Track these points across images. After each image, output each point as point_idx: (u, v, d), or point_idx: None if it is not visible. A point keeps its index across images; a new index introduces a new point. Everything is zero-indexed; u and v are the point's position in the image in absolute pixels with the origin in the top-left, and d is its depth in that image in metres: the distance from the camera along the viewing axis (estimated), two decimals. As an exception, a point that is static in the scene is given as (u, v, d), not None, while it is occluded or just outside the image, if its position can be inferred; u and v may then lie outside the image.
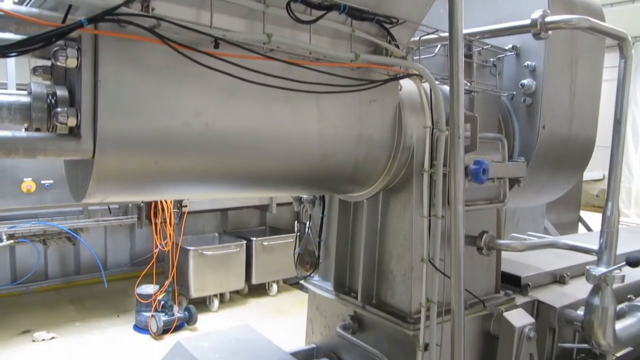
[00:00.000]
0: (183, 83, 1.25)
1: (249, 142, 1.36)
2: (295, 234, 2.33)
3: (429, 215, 1.66)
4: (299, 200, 2.21)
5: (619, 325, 1.92)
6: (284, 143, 1.44)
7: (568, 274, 2.39)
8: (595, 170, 10.55)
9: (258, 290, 7.65)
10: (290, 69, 1.37)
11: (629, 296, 2.25)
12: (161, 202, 5.78)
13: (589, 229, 5.94)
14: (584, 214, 6.49)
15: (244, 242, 7.27)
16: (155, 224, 5.76)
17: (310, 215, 2.20)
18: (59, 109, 1.13)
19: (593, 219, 6.63)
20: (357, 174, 1.68)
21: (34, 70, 1.32)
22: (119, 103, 1.16)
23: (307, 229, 2.21)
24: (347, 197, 1.93)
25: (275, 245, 7.46)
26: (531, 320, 1.91)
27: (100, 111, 1.14)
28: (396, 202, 1.81)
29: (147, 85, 1.20)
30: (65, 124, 1.12)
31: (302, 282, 2.19)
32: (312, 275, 2.18)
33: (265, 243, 7.46)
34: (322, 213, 2.12)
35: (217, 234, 7.80)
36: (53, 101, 1.16)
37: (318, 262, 2.15)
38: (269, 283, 7.78)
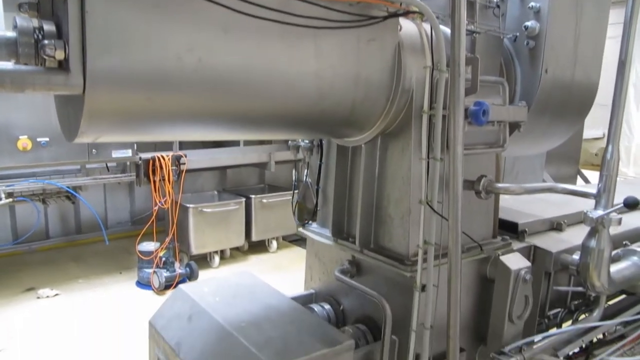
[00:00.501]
0: (176, 16, 1.20)
1: (244, 79, 1.33)
2: (292, 183, 2.33)
3: (428, 158, 1.65)
4: (297, 148, 2.19)
5: (614, 268, 1.94)
6: (279, 81, 1.40)
7: (565, 221, 2.40)
8: (595, 128, 10.49)
9: (258, 247, 7.74)
10: (288, 2, 1.32)
11: (624, 242, 2.27)
12: (159, 159, 5.77)
13: (587, 182, 5.95)
14: (582, 172, 6.50)
15: (243, 199, 7.31)
16: (154, 182, 5.76)
17: (308, 163, 2.19)
18: (46, 42, 1.09)
19: (592, 177, 6.64)
20: (354, 116, 1.65)
21: (20, 6, 1.28)
22: (109, 36, 1.13)
23: (305, 177, 2.20)
24: (344, 142, 1.91)
25: (274, 203, 7.51)
26: (527, 263, 1.93)
27: (89, 44, 1.10)
28: (394, 146, 1.79)
29: (137, 18, 1.16)
30: (53, 57, 1.09)
31: (300, 229, 2.20)
32: (310, 222, 2.18)
33: (265, 200, 7.50)
34: (320, 160, 2.10)
35: (216, 192, 7.83)
36: (40, 36, 1.13)
37: (316, 209, 2.15)
38: (268, 240, 7.87)
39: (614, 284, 1.88)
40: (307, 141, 2.14)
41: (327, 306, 2.09)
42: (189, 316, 1.74)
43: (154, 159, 5.95)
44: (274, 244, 8.03)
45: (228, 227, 7.09)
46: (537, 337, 1.94)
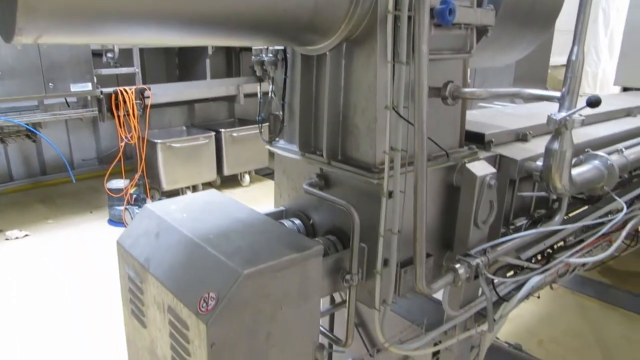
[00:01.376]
0: None
1: (196, -28, 1.24)
2: (258, 102, 2.26)
3: (393, 61, 1.60)
4: (261, 63, 2.11)
5: (575, 171, 1.99)
6: (235, -24, 1.31)
7: (530, 132, 2.43)
8: (560, 55, 10.52)
9: (230, 182, 7.71)
10: None
11: (586, 149, 2.32)
12: (122, 93, 5.56)
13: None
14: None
15: (213, 134, 7.19)
16: (118, 117, 5.58)
17: (272, 78, 2.12)
18: None
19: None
20: (317, 19, 1.58)
21: None
22: None
23: (270, 93, 2.14)
24: (309, 51, 1.84)
25: (245, 137, 7.41)
26: (492, 170, 1.95)
27: None
28: (360, 53, 1.74)
29: None
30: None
31: (267, 147, 2.17)
32: (277, 139, 2.15)
33: (235, 134, 7.40)
34: (285, 74, 2.03)
35: (184, 127, 7.67)
36: None
37: (283, 125, 2.11)
38: (241, 174, 7.83)
39: (575, 186, 1.93)
40: (270, 55, 2.06)
41: (297, 221, 2.10)
42: (156, 233, 1.72)
43: (116, 93, 5.73)
44: (247, 178, 8.01)
45: (199, 162, 7.01)
46: (500, 240, 2.00)
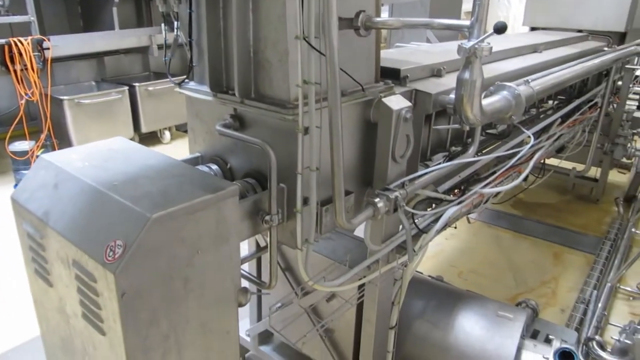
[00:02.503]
0: None
1: None
2: (164, 41, 2.09)
3: (301, -12, 1.52)
4: (164, -1, 1.94)
5: (486, 101, 2.04)
6: None
7: (444, 67, 2.45)
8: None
9: (150, 139, 7.36)
10: None
11: (496, 83, 2.38)
12: (16, 45, 5.02)
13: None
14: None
15: (126, 88, 6.77)
16: (15, 72, 5.05)
17: (177, 14, 1.96)
18: None
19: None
20: (217, -60, 1.45)
21: None
22: None
23: (175, 31, 1.99)
24: (212, -20, 1.70)
25: (162, 91, 7.05)
26: (408, 104, 1.96)
27: None
28: (267, -19, 1.63)
29: None
30: None
31: (177, 89, 2.03)
32: (187, 80, 2.02)
33: (151, 88, 7.02)
34: (190, 8, 1.88)
35: (94, 82, 7.13)
36: None
37: (192, 65, 1.98)
38: (160, 130, 7.49)
39: (485, 115, 1.98)
40: (172, -13, 1.90)
41: (214, 166, 2.01)
42: (54, 184, 1.57)
43: (9, 45, 5.17)
44: (167, 134, 7.70)
45: (112, 119, 6.60)
46: (418, 174, 2.04)
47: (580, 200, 5.84)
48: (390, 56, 2.54)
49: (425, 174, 2.10)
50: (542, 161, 4.55)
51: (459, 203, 2.41)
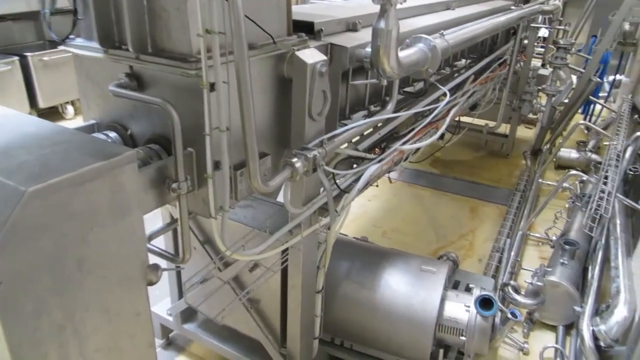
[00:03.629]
0: None
1: None
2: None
3: None
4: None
5: (402, 53, 1.98)
6: None
7: (360, 21, 2.36)
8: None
9: (51, 115, 6.73)
10: None
11: (413, 35, 2.33)
12: None
13: None
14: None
15: (16, 59, 6.11)
16: None
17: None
18: None
19: None
20: None
21: None
22: None
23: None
24: None
25: (61, 61, 6.43)
26: (323, 57, 1.84)
27: None
28: None
29: None
30: None
31: (62, 47, 1.77)
32: (72, 36, 1.76)
33: (46, 58, 6.39)
34: (68, -50, 1.62)
35: (-25, 52, 6.32)
36: None
37: (77, 18, 1.72)
38: (62, 105, 6.88)
39: (402, 68, 1.93)
40: None
41: (112, 134, 1.80)
42: None
43: None
44: (70, 109, 7.10)
45: (3, 93, 5.92)
46: (337, 132, 1.95)
47: (492, 156, 6.12)
48: (303, 10, 2.40)
49: (345, 131, 2.02)
50: (457, 119, 4.67)
51: (379, 161, 2.37)
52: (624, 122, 4.94)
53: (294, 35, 1.92)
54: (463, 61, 4.42)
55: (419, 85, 3.26)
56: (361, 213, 4.66)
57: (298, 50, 1.82)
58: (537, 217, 4.19)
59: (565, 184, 4.76)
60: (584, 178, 3.94)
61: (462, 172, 5.64)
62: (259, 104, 1.79)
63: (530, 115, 5.80)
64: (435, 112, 2.78)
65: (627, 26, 6.28)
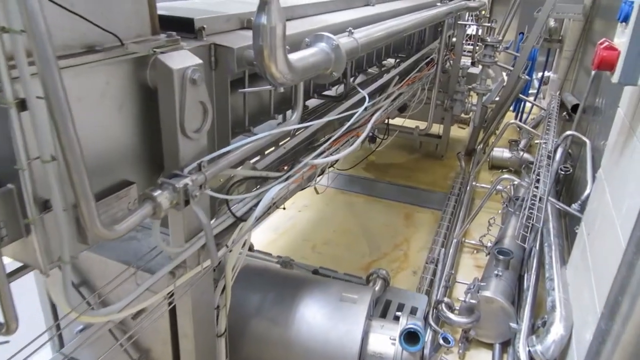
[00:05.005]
0: None
1: None
2: None
3: None
4: None
5: (297, 55, 1.66)
6: None
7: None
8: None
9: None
10: None
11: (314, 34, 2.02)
12: None
13: None
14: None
15: None
16: None
17: None
18: None
19: None
20: None
21: None
22: None
23: None
24: None
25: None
26: (196, 61, 1.49)
27: None
28: None
29: None
30: None
31: None
32: None
33: None
34: None
35: None
36: None
37: None
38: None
39: (296, 72, 1.60)
40: None
41: None
42: None
43: None
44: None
45: None
46: (221, 151, 1.60)
47: (427, 158, 5.98)
48: (187, 5, 2.04)
49: (233, 150, 1.67)
50: (386, 122, 4.44)
51: (286, 179, 2.04)
52: (553, 120, 4.90)
53: (162, 34, 1.55)
54: (391, 60, 4.20)
55: (340, 87, 2.97)
56: (290, 226, 4.33)
57: (163, 53, 1.46)
58: (471, 222, 4.02)
59: (498, 187, 4.65)
60: (516, 182, 3.80)
61: (397, 176, 5.45)
62: (113, 122, 1.41)
63: (463, 115, 5.69)
64: (353, 118, 2.50)
65: (552, 22, 6.32)
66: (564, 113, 5.56)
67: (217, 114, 1.81)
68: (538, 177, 3.56)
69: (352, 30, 2.09)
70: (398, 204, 4.86)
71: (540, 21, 5.32)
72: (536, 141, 5.16)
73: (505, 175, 3.70)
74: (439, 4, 4.50)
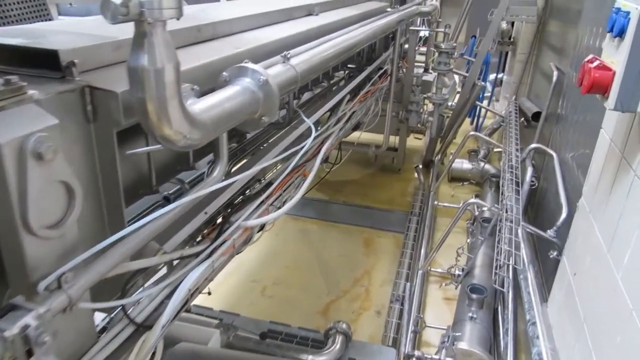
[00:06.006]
0: None
1: None
2: None
3: None
4: None
5: (205, 102, 1.17)
6: None
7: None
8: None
9: None
10: None
11: (245, 61, 1.54)
12: None
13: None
14: None
15: None
16: None
17: None
18: None
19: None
20: None
21: None
22: None
23: None
24: None
25: None
26: (49, 122, 0.98)
27: None
28: None
29: None
30: None
31: None
32: None
33: None
34: None
35: None
36: None
37: None
38: None
39: (205, 128, 1.11)
40: None
41: None
42: None
43: None
44: None
45: None
46: (103, 244, 1.09)
47: (384, 172, 5.60)
48: (55, 27, 1.51)
49: (128, 236, 1.17)
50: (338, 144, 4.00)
51: (210, 254, 1.55)
52: (513, 129, 4.62)
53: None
54: (343, 72, 3.77)
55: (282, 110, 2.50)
56: (236, 266, 3.81)
57: (-8, 112, 0.94)
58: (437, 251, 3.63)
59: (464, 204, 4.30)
60: (485, 208, 3.45)
61: (353, 195, 5.03)
62: None
63: (419, 125, 5.33)
64: (298, 156, 2.04)
65: (504, 25, 6.09)
66: (522, 119, 5.31)
67: (103, 182, 1.29)
68: (508, 203, 3.22)
69: (289, 55, 1.62)
70: (356, 229, 4.43)
71: (494, 25, 5.04)
72: (496, 150, 4.86)
73: (472, 200, 3.33)
74: (389, 9, 4.11)
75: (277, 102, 1.34)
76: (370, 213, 4.70)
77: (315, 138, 2.41)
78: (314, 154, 2.48)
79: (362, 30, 2.56)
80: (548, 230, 2.97)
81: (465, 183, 5.07)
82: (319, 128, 2.68)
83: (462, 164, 5.21)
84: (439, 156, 5.40)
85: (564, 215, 2.89)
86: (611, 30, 1.76)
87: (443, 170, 5.33)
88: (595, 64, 1.76)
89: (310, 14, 2.88)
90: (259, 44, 1.87)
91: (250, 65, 1.33)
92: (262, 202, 1.91)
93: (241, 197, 1.97)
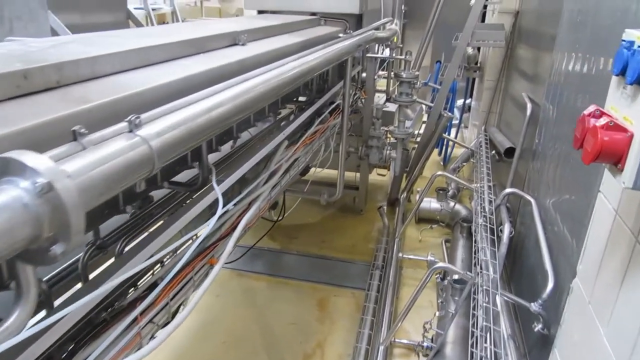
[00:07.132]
0: None
1: None
2: None
3: None
4: None
5: None
6: None
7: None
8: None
9: None
10: None
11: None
12: None
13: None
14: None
15: None
16: None
17: None
18: None
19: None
20: None
21: None
22: None
23: None
24: None
25: None
26: None
27: None
28: None
29: None
30: None
31: None
32: None
33: None
34: None
35: None
36: None
37: None
38: None
39: None
40: None
41: None
42: None
43: None
44: None
45: None
46: None
47: (344, 213, 5.03)
48: None
49: None
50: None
51: None
52: (484, 166, 4.14)
53: None
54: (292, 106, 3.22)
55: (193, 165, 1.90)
56: (162, 346, 3.13)
57: None
58: (402, 321, 3.06)
59: (429, 257, 3.76)
60: (457, 277, 2.91)
61: (309, 243, 4.43)
62: None
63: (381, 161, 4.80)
64: (191, 249, 1.45)
65: (470, 50, 5.70)
66: (493, 152, 4.85)
67: None
68: (482, 258, 2.69)
69: (140, 118, 1.03)
70: (310, 286, 3.83)
71: (459, 50, 4.60)
72: (470, 186, 4.36)
73: (440, 264, 2.79)
74: (341, 35, 3.60)
75: (76, 219, 0.75)
76: (328, 265, 4.10)
77: (225, 213, 1.83)
78: (231, 229, 1.89)
79: (291, 66, 1.99)
80: (532, 304, 2.44)
81: (433, 226, 4.55)
82: (241, 192, 2.09)
83: (430, 204, 4.70)
84: (405, 194, 4.88)
85: (550, 286, 2.37)
86: (622, 74, 1.24)
87: (410, 209, 4.81)
88: (602, 121, 1.24)
89: (235, 44, 2.31)
90: (122, 95, 1.27)
91: (26, 157, 0.73)
92: (133, 323, 1.31)
93: (104, 313, 1.36)
